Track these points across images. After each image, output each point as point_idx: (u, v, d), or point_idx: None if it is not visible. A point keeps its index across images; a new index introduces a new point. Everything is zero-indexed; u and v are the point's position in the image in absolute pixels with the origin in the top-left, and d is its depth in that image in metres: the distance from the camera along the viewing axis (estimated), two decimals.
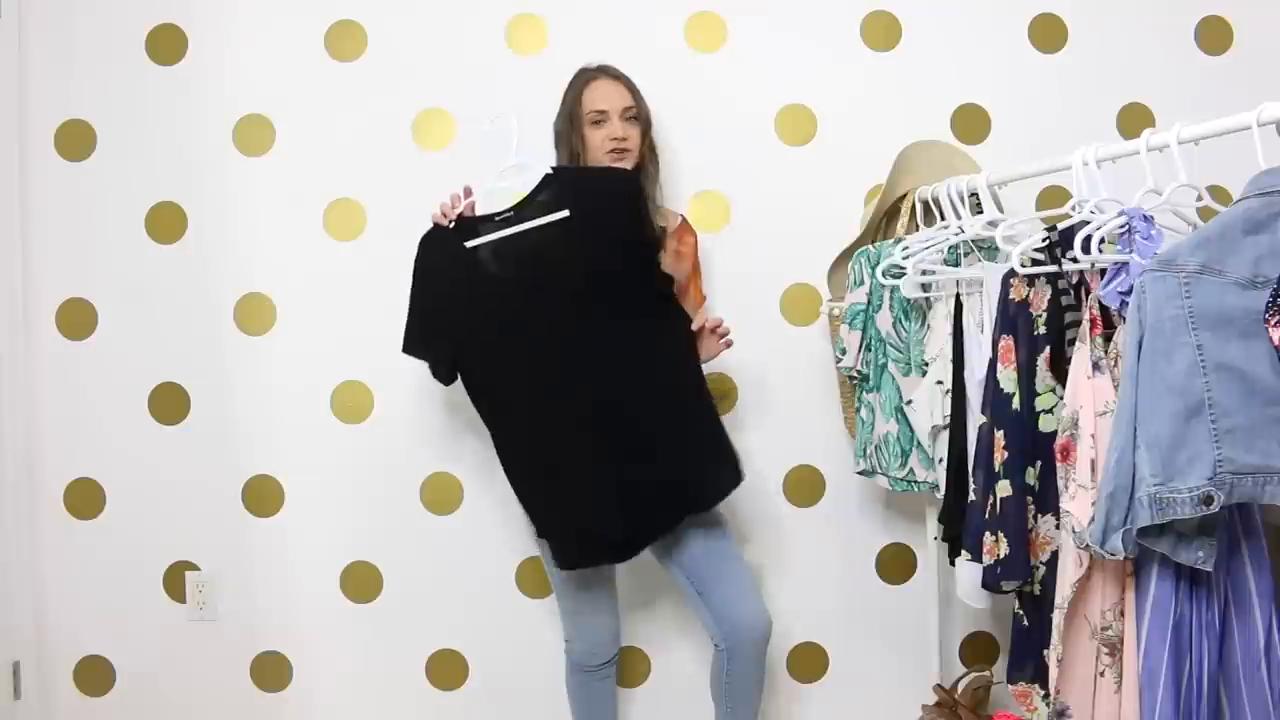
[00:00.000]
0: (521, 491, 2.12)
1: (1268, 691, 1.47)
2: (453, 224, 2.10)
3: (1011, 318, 1.72)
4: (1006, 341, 1.71)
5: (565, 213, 2.05)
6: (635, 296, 2.07)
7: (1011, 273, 1.73)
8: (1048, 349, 1.69)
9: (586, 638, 2.29)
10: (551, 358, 2.05)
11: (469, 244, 2.07)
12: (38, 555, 2.50)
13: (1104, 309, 1.56)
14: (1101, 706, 1.53)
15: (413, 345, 2.14)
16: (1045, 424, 1.69)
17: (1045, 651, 1.63)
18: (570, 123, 2.25)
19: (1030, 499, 1.70)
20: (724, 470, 2.11)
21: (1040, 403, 1.70)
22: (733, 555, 2.22)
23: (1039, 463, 1.69)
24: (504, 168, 2.11)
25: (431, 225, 2.13)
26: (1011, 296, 1.73)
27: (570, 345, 2.05)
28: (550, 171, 2.10)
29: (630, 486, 2.04)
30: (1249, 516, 1.48)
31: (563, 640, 2.33)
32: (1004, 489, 1.68)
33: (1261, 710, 1.46)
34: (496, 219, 2.08)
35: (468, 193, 2.13)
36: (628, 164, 2.23)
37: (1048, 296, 1.70)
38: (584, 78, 2.26)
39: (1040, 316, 1.70)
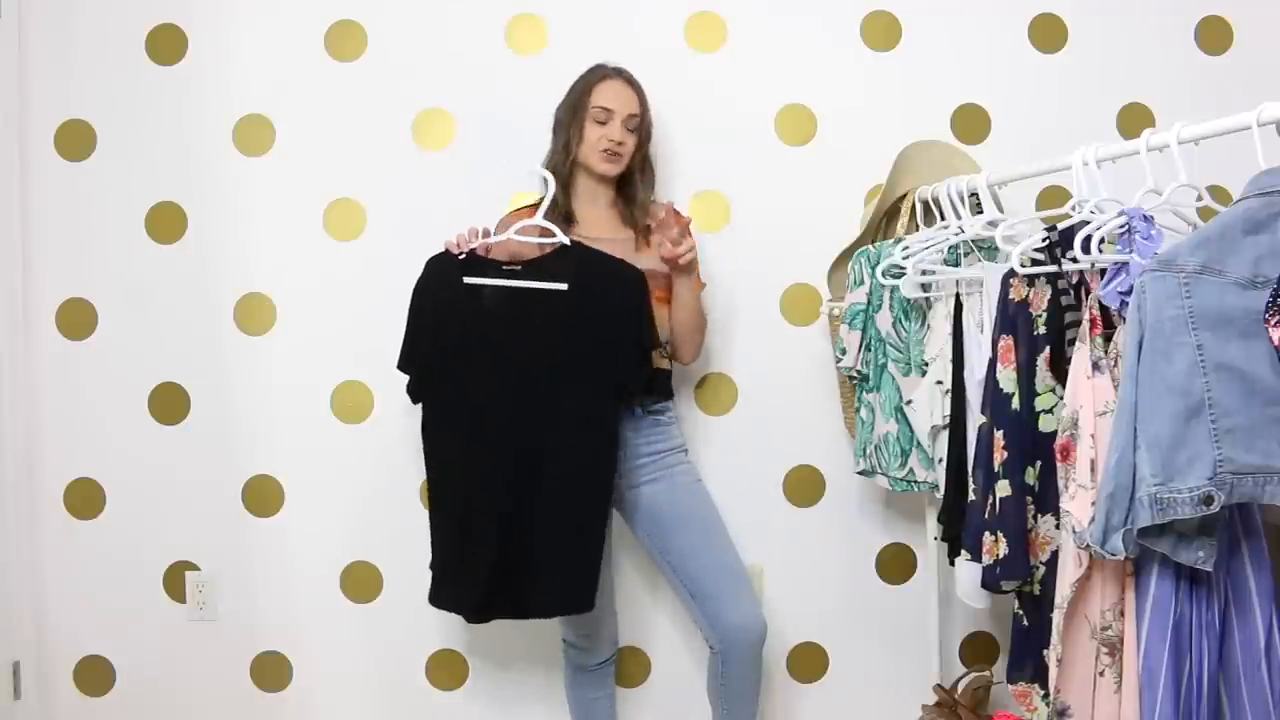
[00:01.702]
0: (432, 521, 2.18)
1: (1268, 691, 1.46)
2: (462, 256, 2.13)
3: (1011, 318, 1.72)
4: (1006, 341, 1.71)
5: (564, 286, 2.10)
6: (594, 393, 2.11)
7: (1011, 273, 1.73)
8: (1048, 349, 1.69)
9: (584, 638, 2.29)
10: (499, 417, 2.10)
11: (468, 280, 2.11)
12: (38, 555, 2.50)
13: (1104, 309, 1.56)
14: (1101, 706, 1.53)
15: (405, 363, 2.20)
16: (1045, 424, 1.69)
17: (1045, 651, 1.63)
18: (572, 114, 2.25)
19: (1030, 499, 1.69)
20: (583, 595, 2.13)
21: (1040, 403, 1.70)
22: (726, 555, 2.22)
23: (1039, 463, 1.69)
24: (526, 223, 2.13)
25: (442, 249, 2.15)
26: (1011, 296, 1.73)
27: (520, 415, 2.10)
28: (568, 243, 2.13)
29: (503, 566, 2.09)
30: (1249, 516, 1.48)
31: (561, 640, 2.34)
32: (1003, 489, 1.68)
33: (1261, 710, 1.46)
34: (503, 267, 2.13)
35: (486, 233, 2.15)
36: (617, 169, 2.25)
37: (1048, 296, 1.70)
38: (599, 74, 2.26)
39: (1040, 316, 1.70)
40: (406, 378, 2.20)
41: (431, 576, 2.19)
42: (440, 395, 2.16)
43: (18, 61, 2.48)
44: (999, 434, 1.70)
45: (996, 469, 1.70)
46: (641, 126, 2.26)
